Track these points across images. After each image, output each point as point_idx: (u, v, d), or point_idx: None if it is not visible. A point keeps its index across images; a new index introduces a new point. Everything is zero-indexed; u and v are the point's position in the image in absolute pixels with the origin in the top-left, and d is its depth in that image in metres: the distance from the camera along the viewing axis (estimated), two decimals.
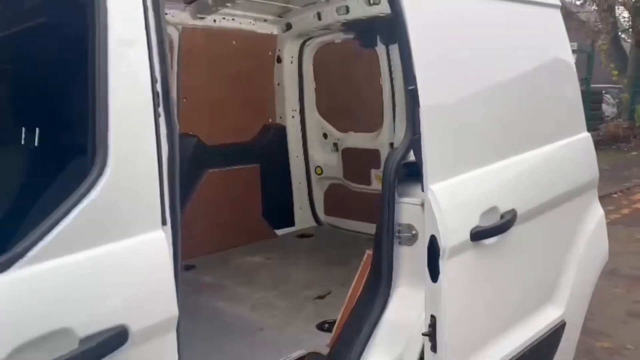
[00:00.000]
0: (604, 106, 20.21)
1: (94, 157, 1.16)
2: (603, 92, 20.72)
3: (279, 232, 3.87)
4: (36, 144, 1.43)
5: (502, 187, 1.95)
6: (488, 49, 2.06)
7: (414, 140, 1.82)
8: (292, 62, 3.80)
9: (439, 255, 1.71)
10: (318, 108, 3.90)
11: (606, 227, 2.56)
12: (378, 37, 3.34)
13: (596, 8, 17.38)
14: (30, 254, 1.07)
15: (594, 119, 15.87)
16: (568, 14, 19.70)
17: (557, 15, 2.44)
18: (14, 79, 1.44)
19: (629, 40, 17.54)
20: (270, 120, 3.85)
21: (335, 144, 3.90)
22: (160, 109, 1.28)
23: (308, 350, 2.16)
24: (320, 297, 2.69)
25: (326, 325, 2.35)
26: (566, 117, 2.36)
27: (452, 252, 1.71)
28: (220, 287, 2.87)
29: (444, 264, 1.71)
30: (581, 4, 18.35)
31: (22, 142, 1.45)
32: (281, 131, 3.87)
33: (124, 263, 1.18)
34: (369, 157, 3.65)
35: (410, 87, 1.78)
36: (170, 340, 1.25)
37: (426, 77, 1.78)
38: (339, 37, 3.56)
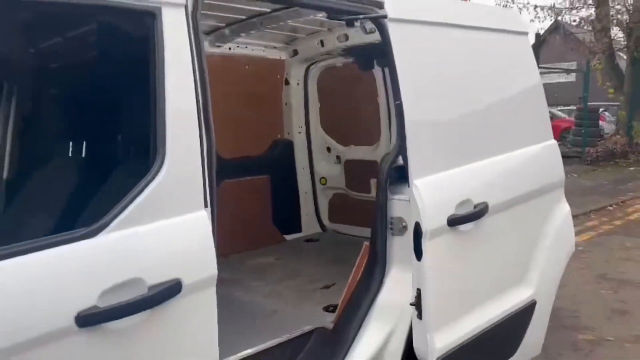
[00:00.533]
0: (604, 124, 20.56)
1: (156, 155, 1.56)
2: (602, 110, 21.11)
3: (287, 237, 4.22)
4: (112, 147, 1.87)
5: (475, 184, 2.34)
6: (463, 70, 2.47)
7: (401, 146, 2.22)
8: (298, 84, 4.18)
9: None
10: (322, 124, 4.26)
11: (572, 221, 2.93)
12: (375, 61, 3.73)
13: (591, 29, 17.87)
14: (113, 223, 1.46)
15: (592, 136, 16.23)
16: (567, 35, 20.23)
17: (525, 40, 2.86)
18: (96, 99, 1.87)
19: (625, 57, 17.90)
20: (279, 136, 4.23)
21: (338, 157, 4.26)
22: (202, 119, 1.69)
23: (316, 325, 2.52)
24: (326, 287, 3.05)
25: (331, 307, 2.69)
26: (533, 127, 2.75)
27: (432, 235, 2.10)
28: (236, 282, 3.22)
29: (425, 244, 2.10)
30: (576, 25, 18.86)
31: (103, 144, 1.90)
32: (289, 146, 4.24)
33: (179, 233, 1.58)
34: (369, 168, 4.00)
35: (397, 102, 2.19)
36: (211, 294, 1.64)
37: (410, 94, 2.18)
38: (340, 61, 3.92)
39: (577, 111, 17.10)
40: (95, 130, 1.95)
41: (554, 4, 18.69)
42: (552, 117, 22.09)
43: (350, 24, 2.70)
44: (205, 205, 1.66)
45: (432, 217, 2.12)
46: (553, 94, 28.96)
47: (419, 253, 2.13)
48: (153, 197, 1.53)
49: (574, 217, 9.27)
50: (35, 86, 2.08)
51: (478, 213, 2.25)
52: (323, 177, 4.34)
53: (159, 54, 1.60)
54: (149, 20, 1.60)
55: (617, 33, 18.26)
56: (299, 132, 4.26)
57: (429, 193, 2.14)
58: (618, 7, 17.33)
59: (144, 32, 1.61)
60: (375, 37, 3.39)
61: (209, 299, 1.63)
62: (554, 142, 2.88)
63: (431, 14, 2.42)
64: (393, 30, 2.21)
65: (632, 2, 16.61)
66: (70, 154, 2.08)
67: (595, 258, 6.34)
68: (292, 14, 2.95)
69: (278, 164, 4.17)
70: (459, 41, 2.48)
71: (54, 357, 1.34)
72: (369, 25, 2.74)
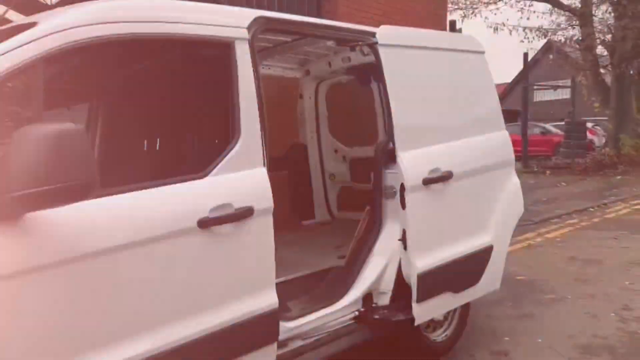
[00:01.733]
0: (595, 137, 21.46)
1: (234, 133, 2.53)
2: (593, 124, 22.01)
3: (304, 222, 5.18)
4: (209, 130, 2.93)
5: (443, 158, 3.30)
6: (434, 79, 3.46)
7: (390, 133, 3.20)
8: (310, 98, 5.09)
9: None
10: (330, 130, 5.18)
11: (522, 192, 3.88)
12: (371, 77, 4.70)
13: (578, 46, 18.95)
14: (214, 171, 2.43)
15: (580, 148, 17.09)
16: (559, 54, 21.30)
17: (482, 58, 3.85)
18: (196, 101, 2.90)
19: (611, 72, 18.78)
20: (295, 140, 5.23)
21: (344, 156, 5.17)
22: (260, 114, 2.66)
23: (332, 265, 3.47)
24: (338, 247, 3.99)
25: (342, 257, 3.63)
26: (487, 121, 3.73)
27: (411, 190, 3.07)
28: None
29: (407, 197, 3.06)
30: (562, 44, 19.97)
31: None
32: (303, 148, 5.15)
33: (250, 179, 2.53)
34: (370, 163, 4.95)
35: (386, 102, 3.18)
36: (269, 220, 2.58)
37: (395, 97, 3.17)
38: (344, 78, 4.84)
39: (566, 125, 18.04)
40: (196, 121, 2.98)
41: (541, 25, 19.86)
42: (546, 132, 22.90)
43: (352, 49, 3.71)
44: (263, 165, 2.63)
45: (412, 178, 3.08)
46: (549, 111, 29.77)
47: (403, 204, 3.09)
48: (233, 159, 2.49)
49: (558, 217, 10.20)
50: (156, 93, 3.16)
51: (444, 177, 3.22)
52: (332, 174, 5.23)
53: (234, 71, 2.58)
54: (227, 49, 2.58)
55: (603, 51, 19.28)
56: (311, 137, 5.19)
57: (409, 162, 3.11)
58: (600, 27, 18.44)
59: (224, 56, 2.59)
60: (371, 58, 4.39)
61: (269, 223, 2.57)
62: (505, 132, 3.85)
63: (410, 40, 3.41)
64: (382, 52, 3.20)
65: (612, 22, 17.72)
66: (187, 136, 3.19)
67: (570, 246, 7.24)
68: (308, 42, 3.93)
69: (295, 163, 5.10)
70: (431, 59, 3.47)
71: (186, 244, 2.28)
72: (366, 49, 3.72)
